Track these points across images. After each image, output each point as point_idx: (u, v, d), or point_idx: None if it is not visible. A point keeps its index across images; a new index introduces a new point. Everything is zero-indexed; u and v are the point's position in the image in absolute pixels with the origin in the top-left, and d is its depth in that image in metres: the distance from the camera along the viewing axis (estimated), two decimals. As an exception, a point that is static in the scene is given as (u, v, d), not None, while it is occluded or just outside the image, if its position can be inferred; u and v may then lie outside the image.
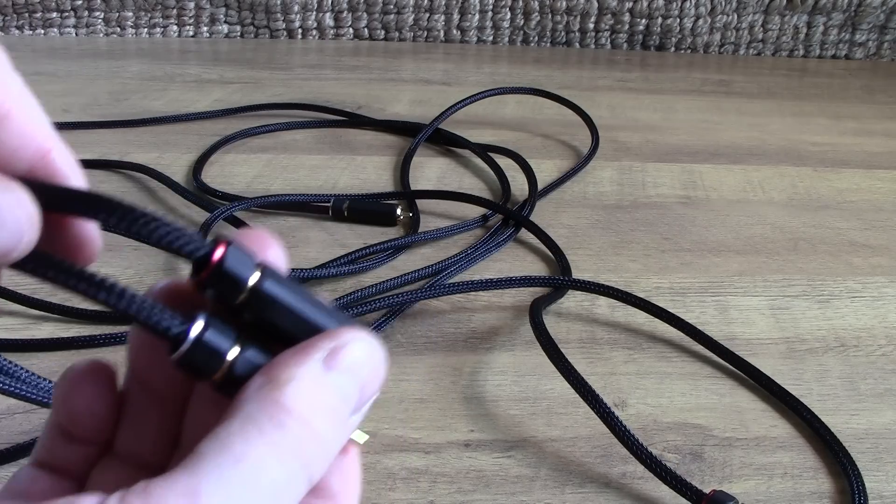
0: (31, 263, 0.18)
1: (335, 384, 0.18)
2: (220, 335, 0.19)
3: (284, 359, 0.18)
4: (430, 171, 0.71)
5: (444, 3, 1.16)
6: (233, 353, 0.18)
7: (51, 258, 0.18)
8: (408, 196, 0.63)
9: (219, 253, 0.18)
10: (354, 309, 0.45)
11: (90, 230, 0.20)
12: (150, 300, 0.18)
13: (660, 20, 1.15)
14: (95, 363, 0.21)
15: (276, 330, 0.19)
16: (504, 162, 0.70)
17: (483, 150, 0.72)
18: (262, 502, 0.17)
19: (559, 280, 0.50)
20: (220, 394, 0.19)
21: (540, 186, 0.65)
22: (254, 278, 0.19)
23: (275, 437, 0.17)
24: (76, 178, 0.20)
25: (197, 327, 0.18)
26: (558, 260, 0.54)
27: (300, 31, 1.18)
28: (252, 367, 0.19)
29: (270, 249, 0.20)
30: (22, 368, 0.37)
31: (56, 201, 0.18)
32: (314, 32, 1.18)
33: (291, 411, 0.17)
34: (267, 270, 0.19)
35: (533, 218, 0.60)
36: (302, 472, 0.17)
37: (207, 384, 0.19)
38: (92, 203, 0.18)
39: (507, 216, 0.59)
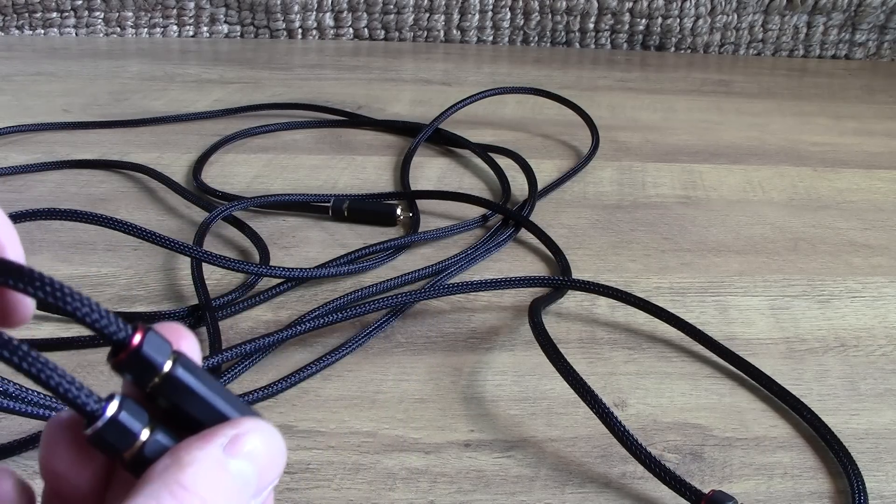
0: None
1: (234, 469, 0.19)
2: (134, 417, 0.20)
3: (189, 443, 0.20)
4: (430, 171, 0.71)
5: (444, 3, 1.16)
6: (144, 434, 0.19)
7: None
8: (408, 196, 0.63)
9: (137, 338, 0.20)
10: (354, 309, 0.45)
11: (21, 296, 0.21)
12: (69, 375, 0.19)
13: (660, 20, 1.15)
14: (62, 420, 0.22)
15: (186, 416, 0.20)
16: (504, 162, 0.70)
17: (483, 150, 0.72)
18: None
19: (559, 280, 0.50)
20: (127, 472, 0.20)
21: (540, 186, 0.65)
22: (168, 365, 0.20)
23: None
24: (10, 240, 0.21)
25: (112, 406, 0.19)
26: (558, 260, 0.54)
27: (300, 31, 1.18)
28: (161, 448, 0.20)
29: (185, 341, 0.21)
30: (9, 381, 0.37)
31: None
32: (314, 32, 1.18)
33: (191, 491, 0.18)
34: (181, 359, 0.20)
35: (533, 218, 0.60)
36: None
37: (117, 461, 0.20)
38: (21, 277, 0.19)
39: (507, 216, 0.59)
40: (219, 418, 0.20)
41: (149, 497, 0.18)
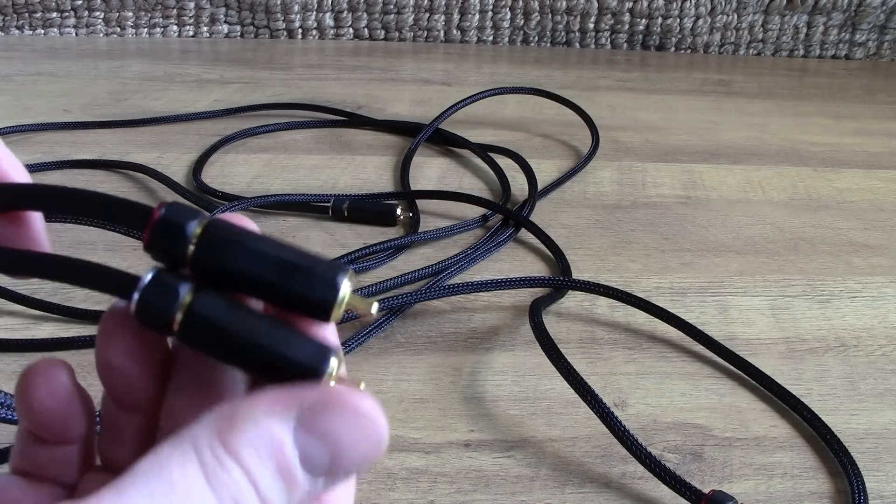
0: None
1: (301, 445, 0.17)
2: (174, 278, 0.18)
3: (257, 400, 0.17)
4: (430, 171, 0.71)
5: (444, 3, 1.16)
6: (188, 294, 0.18)
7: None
8: (408, 196, 0.63)
9: (160, 212, 0.18)
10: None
11: (36, 231, 0.21)
12: (95, 264, 0.18)
13: (660, 20, 1.15)
14: (48, 361, 0.21)
15: (238, 280, 0.18)
16: (504, 162, 0.70)
17: (483, 150, 0.72)
18: None
19: (559, 280, 0.50)
20: (188, 347, 0.18)
21: (540, 186, 0.65)
22: (197, 226, 0.18)
23: (213, 477, 0.16)
24: (14, 167, 0.21)
25: (149, 274, 0.18)
26: (558, 260, 0.54)
27: (300, 31, 1.18)
28: (214, 310, 0.18)
29: (241, 221, 0.19)
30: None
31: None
32: (314, 32, 1.18)
33: (239, 457, 0.16)
34: (214, 221, 0.18)
35: (533, 218, 0.60)
36: None
37: (176, 341, 0.19)
38: (33, 194, 0.18)
39: (507, 216, 0.59)
40: (280, 267, 0.18)
41: (188, 448, 0.16)
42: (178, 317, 0.18)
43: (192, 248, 0.18)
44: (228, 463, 0.16)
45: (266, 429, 0.17)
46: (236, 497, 0.16)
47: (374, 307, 0.19)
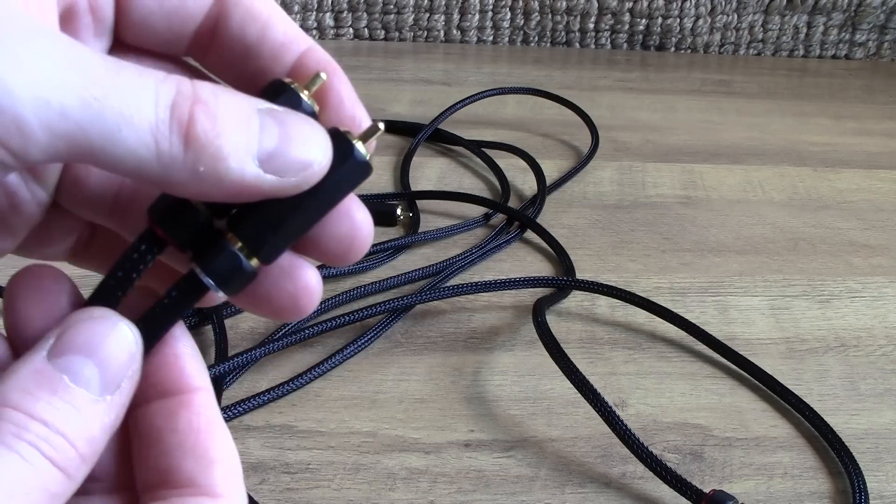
0: None
1: (62, 367, 0.18)
2: (211, 239, 0.20)
3: (13, 364, 0.18)
4: (431, 171, 0.71)
5: (444, 3, 1.16)
6: (239, 247, 0.19)
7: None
8: (408, 196, 0.63)
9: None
10: (358, 313, 0.45)
11: (310, 279, 0.21)
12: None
13: (660, 20, 1.15)
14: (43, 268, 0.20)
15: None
16: (504, 162, 0.70)
17: (484, 149, 0.72)
18: None
19: (564, 281, 0.50)
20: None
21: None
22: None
23: None
24: (335, 74, 0.21)
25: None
26: (562, 260, 0.54)
27: (300, 31, 1.18)
28: (261, 229, 0.19)
29: None
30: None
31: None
32: (314, 32, 1.18)
33: (7, 401, 0.17)
34: None
35: (535, 218, 0.60)
36: (38, 459, 0.17)
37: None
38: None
39: (512, 216, 0.59)
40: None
41: None
42: (254, 262, 0.19)
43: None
44: (1, 412, 0.17)
45: (24, 368, 0.18)
46: (19, 434, 0.17)
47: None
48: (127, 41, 0.22)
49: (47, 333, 0.18)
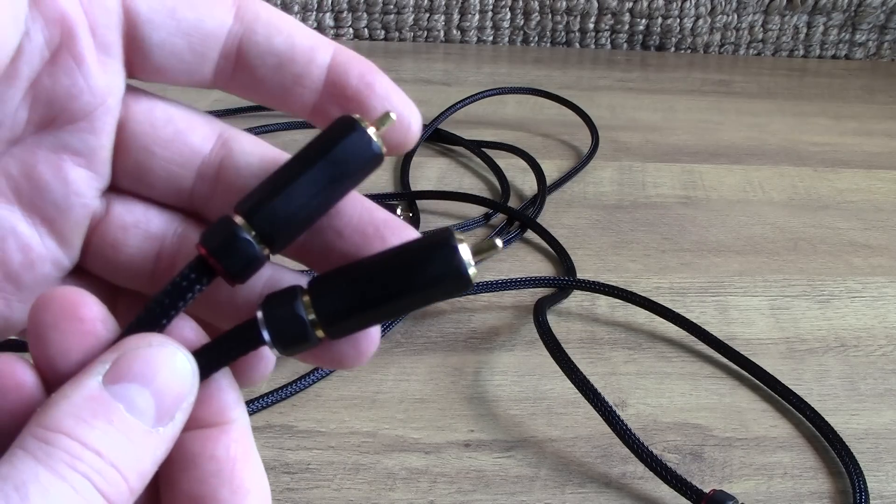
0: None
1: (119, 395, 0.17)
2: (287, 300, 0.19)
3: (63, 387, 0.17)
4: (431, 171, 0.71)
5: (444, 3, 1.16)
6: (308, 309, 0.19)
7: None
8: (408, 196, 0.63)
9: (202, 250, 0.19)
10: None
11: (373, 332, 0.20)
12: (218, 340, 0.19)
13: (660, 20, 1.15)
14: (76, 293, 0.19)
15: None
16: (504, 162, 0.70)
17: (484, 149, 0.72)
18: None
19: (565, 281, 0.50)
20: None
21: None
22: (238, 219, 0.19)
23: (44, 456, 0.16)
24: (372, 72, 0.22)
25: (259, 313, 0.19)
26: (563, 260, 0.54)
27: (300, 31, 1.18)
28: (337, 303, 0.19)
29: None
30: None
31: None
32: (314, 32, 1.18)
33: (61, 428, 0.16)
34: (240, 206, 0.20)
35: (536, 218, 0.60)
36: (90, 492, 0.16)
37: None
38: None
39: (512, 216, 0.59)
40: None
41: (15, 446, 0.16)
42: (319, 333, 0.19)
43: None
44: (53, 437, 0.16)
45: (78, 394, 0.17)
46: (73, 464, 0.16)
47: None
48: (146, 73, 0.21)
49: (101, 357, 0.18)
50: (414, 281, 0.18)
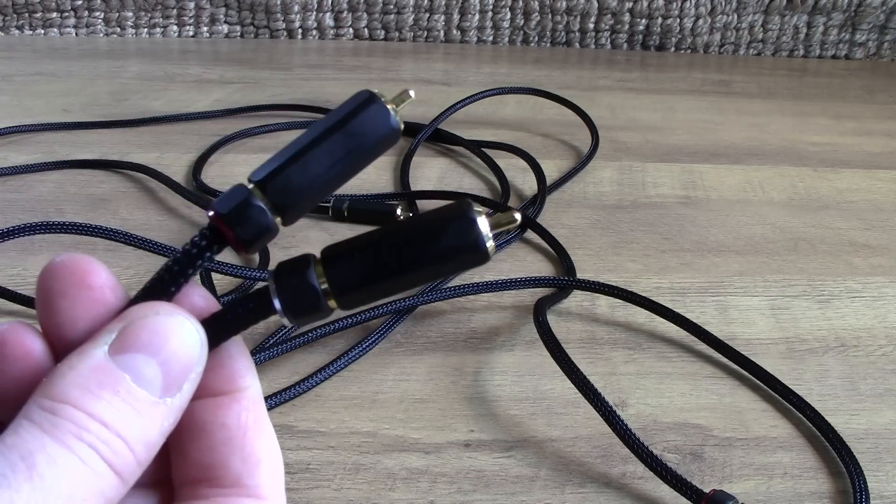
0: None
1: (126, 366, 0.17)
2: (298, 268, 0.19)
3: (69, 356, 0.17)
4: (431, 171, 0.71)
5: (444, 3, 1.16)
6: (321, 279, 0.19)
7: None
8: (408, 196, 0.63)
9: (210, 213, 0.19)
10: (361, 315, 0.45)
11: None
12: (232, 305, 0.19)
13: (660, 20, 1.15)
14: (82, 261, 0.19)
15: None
16: (504, 162, 0.70)
17: (484, 149, 0.72)
18: (57, 498, 0.15)
19: (565, 281, 0.50)
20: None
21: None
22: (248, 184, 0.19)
23: (51, 427, 0.16)
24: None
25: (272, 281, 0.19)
26: (562, 260, 0.54)
27: (300, 31, 1.18)
28: (351, 275, 0.19)
29: None
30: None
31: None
32: (314, 32, 1.18)
33: (67, 398, 0.16)
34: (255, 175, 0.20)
35: (536, 218, 0.60)
36: (97, 462, 0.16)
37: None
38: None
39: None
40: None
41: (21, 416, 0.16)
42: (332, 304, 0.19)
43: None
44: (59, 408, 0.16)
45: (84, 364, 0.17)
46: (80, 435, 0.16)
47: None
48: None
49: (107, 326, 0.17)
50: (429, 252, 0.18)
